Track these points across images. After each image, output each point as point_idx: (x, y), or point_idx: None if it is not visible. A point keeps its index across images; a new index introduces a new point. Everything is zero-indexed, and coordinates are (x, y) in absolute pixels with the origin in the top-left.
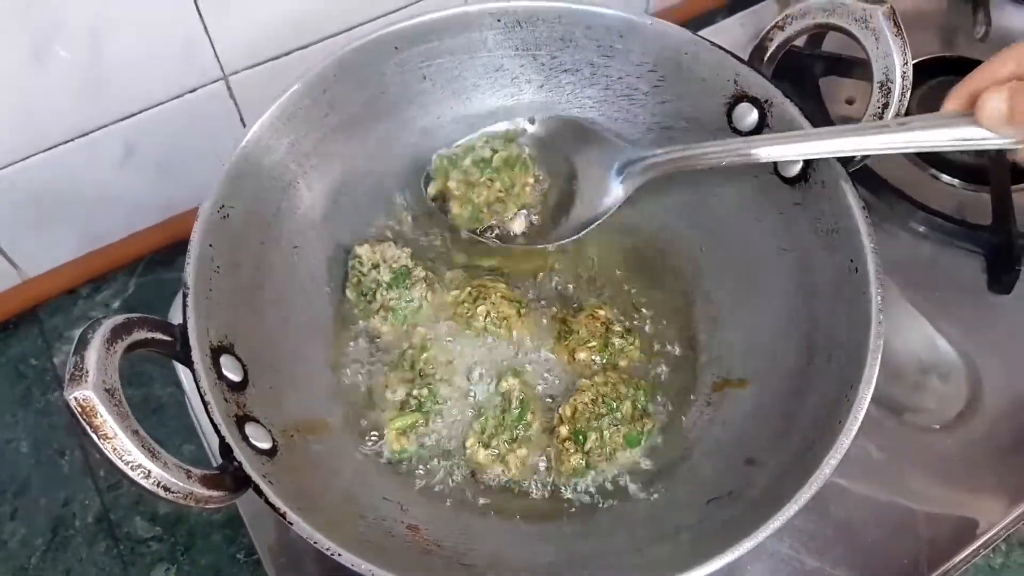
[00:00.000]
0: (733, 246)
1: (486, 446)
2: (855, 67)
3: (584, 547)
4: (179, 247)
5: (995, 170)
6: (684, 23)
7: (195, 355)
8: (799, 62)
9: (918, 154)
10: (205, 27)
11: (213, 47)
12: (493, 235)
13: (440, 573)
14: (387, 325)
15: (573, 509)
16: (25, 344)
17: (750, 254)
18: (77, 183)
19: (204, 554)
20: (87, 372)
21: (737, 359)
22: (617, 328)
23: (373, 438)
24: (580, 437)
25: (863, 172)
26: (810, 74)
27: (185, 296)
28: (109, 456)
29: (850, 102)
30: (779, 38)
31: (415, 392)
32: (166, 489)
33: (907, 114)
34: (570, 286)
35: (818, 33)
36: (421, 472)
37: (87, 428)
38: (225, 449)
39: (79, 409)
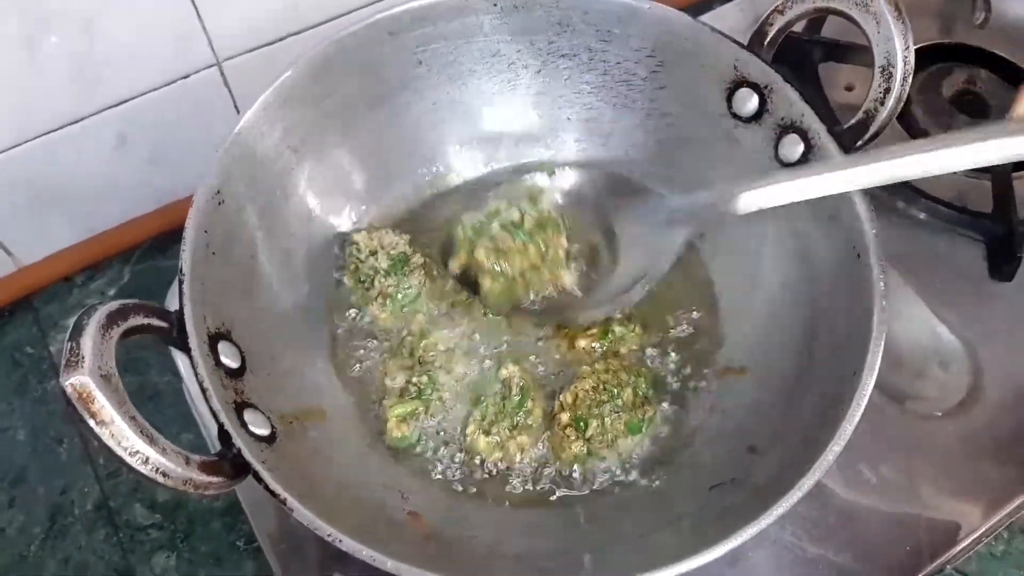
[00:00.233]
0: (733, 233)
1: (486, 433)
2: (855, 53)
3: (586, 534)
4: (174, 235)
5: None
6: (683, 8)
7: (192, 341)
8: (798, 48)
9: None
10: (198, 13)
11: (206, 33)
12: (532, 307)
13: (441, 560)
14: (385, 312)
15: (574, 496)
16: (20, 332)
17: (750, 242)
18: (71, 170)
19: (204, 541)
20: (83, 358)
21: (738, 347)
22: (617, 315)
23: (372, 425)
24: (581, 424)
25: None
26: (809, 60)
27: (181, 282)
28: (106, 442)
29: (849, 88)
30: (779, 22)
31: (414, 379)
32: (164, 475)
33: (908, 100)
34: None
35: (817, 18)
36: (421, 459)
37: (84, 414)
38: (224, 436)
39: (75, 395)
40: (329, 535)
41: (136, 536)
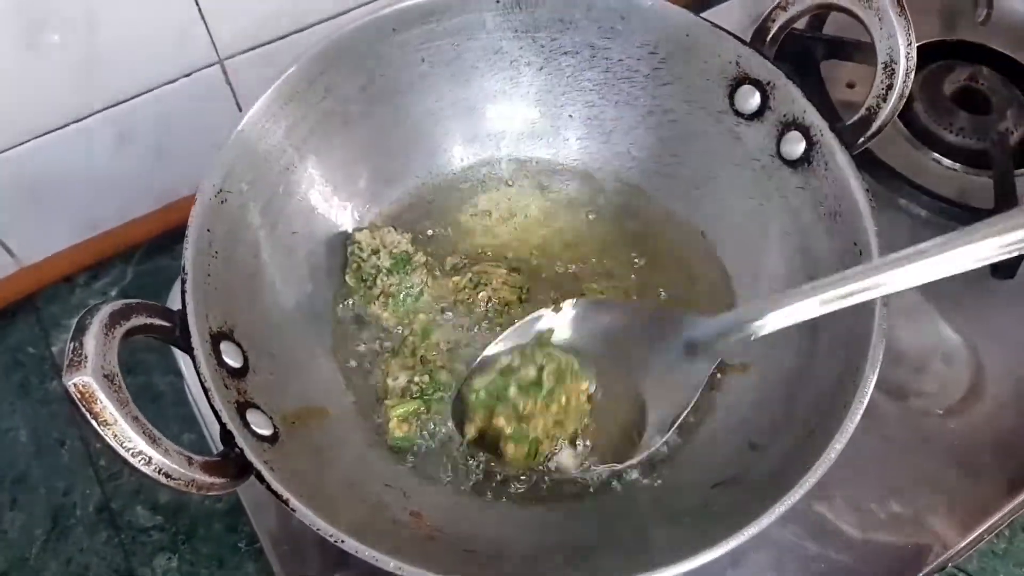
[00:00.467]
0: (735, 230)
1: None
2: (857, 50)
3: (586, 532)
4: (177, 234)
5: (997, 154)
6: (685, 4)
7: (195, 341)
8: (800, 45)
9: (919, 138)
10: (200, 10)
11: (208, 31)
12: (554, 468)
13: (443, 559)
14: (388, 311)
15: (575, 494)
16: (23, 333)
17: (752, 238)
18: (72, 170)
19: (206, 543)
20: (86, 358)
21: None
22: None
23: (374, 425)
24: None
25: (865, 156)
26: (811, 57)
27: (184, 281)
28: (109, 442)
29: (851, 86)
30: (781, 19)
31: (416, 379)
32: (167, 476)
33: (910, 97)
34: (572, 269)
35: (819, 15)
36: (423, 459)
37: (86, 414)
38: (226, 436)
39: (78, 395)
40: (331, 535)
41: (138, 538)
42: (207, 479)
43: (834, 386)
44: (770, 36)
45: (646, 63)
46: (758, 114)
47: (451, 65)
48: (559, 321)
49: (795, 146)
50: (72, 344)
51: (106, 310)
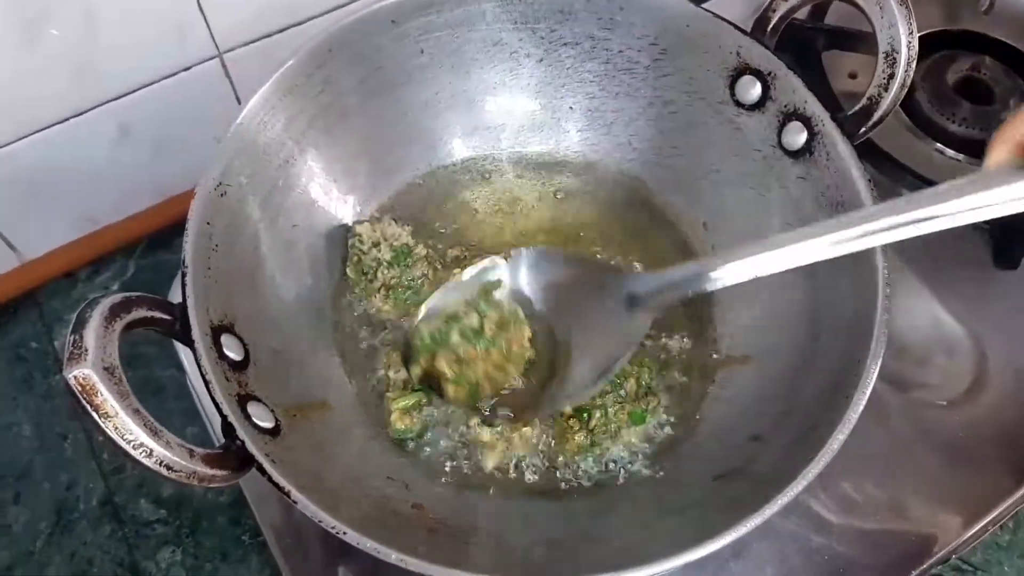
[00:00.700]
0: (736, 221)
1: (489, 424)
2: (858, 41)
3: (589, 525)
4: (178, 229)
5: None
6: None
7: (195, 334)
8: (801, 35)
9: (920, 127)
10: (199, 3)
11: (207, 24)
12: (494, 405)
13: (446, 551)
14: (389, 304)
15: (577, 487)
16: (25, 327)
17: (754, 230)
18: (73, 164)
19: (209, 536)
20: (86, 350)
21: (740, 336)
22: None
23: (376, 417)
24: (584, 415)
25: (867, 146)
26: (812, 48)
27: (184, 274)
28: (110, 435)
29: (853, 76)
30: (782, 8)
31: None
32: (169, 468)
33: (911, 87)
34: None
35: (821, 5)
36: (425, 451)
37: (87, 407)
38: (228, 428)
39: (79, 388)
40: (333, 527)
41: (141, 531)
42: (209, 471)
43: (836, 378)
44: (771, 26)
45: (647, 54)
46: (759, 104)
47: (451, 57)
48: (509, 268)
49: (796, 136)
50: (72, 337)
51: (106, 303)
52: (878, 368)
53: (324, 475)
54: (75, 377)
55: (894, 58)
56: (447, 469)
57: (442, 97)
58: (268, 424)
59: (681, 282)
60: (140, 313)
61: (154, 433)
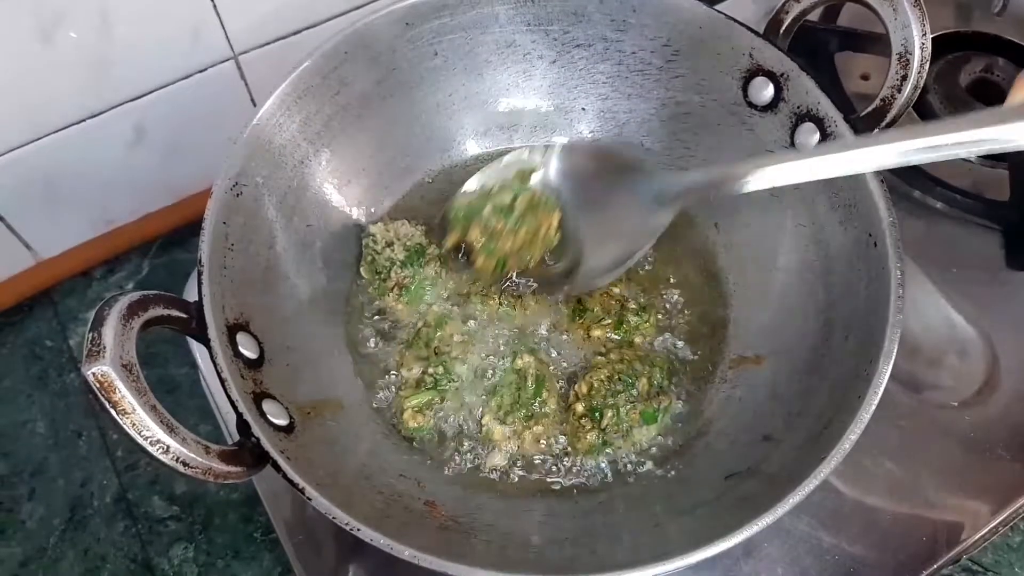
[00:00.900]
0: (748, 222)
1: (502, 423)
2: (871, 42)
3: (601, 523)
4: (192, 228)
5: None
6: None
7: (211, 332)
8: (814, 37)
9: None
10: (215, 6)
11: (223, 26)
12: (521, 282)
13: (458, 549)
14: (401, 303)
15: (590, 485)
16: (40, 326)
17: (766, 230)
18: (89, 165)
19: (221, 533)
20: (104, 348)
21: (753, 336)
22: (632, 305)
23: (389, 416)
24: (596, 414)
25: None
26: (825, 50)
27: (200, 273)
28: (128, 431)
29: (865, 78)
30: (795, 10)
31: (430, 370)
32: (185, 464)
33: (924, 89)
34: None
35: (834, 7)
36: (437, 449)
37: (105, 403)
38: (243, 425)
39: (97, 384)
40: (347, 524)
41: (154, 528)
42: (224, 468)
43: (849, 378)
44: (783, 28)
45: (659, 55)
46: (772, 106)
47: (464, 59)
48: (543, 156)
49: (809, 137)
50: (91, 335)
51: (124, 301)
52: (890, 368)
53: (337, 472)
54: (93, 374)
55: (907, 59)
56: (459, 467)
57: (455, 98)
58: (283, 422)
59: (706, 183)
60: (157, 311)
61: (171, 430)
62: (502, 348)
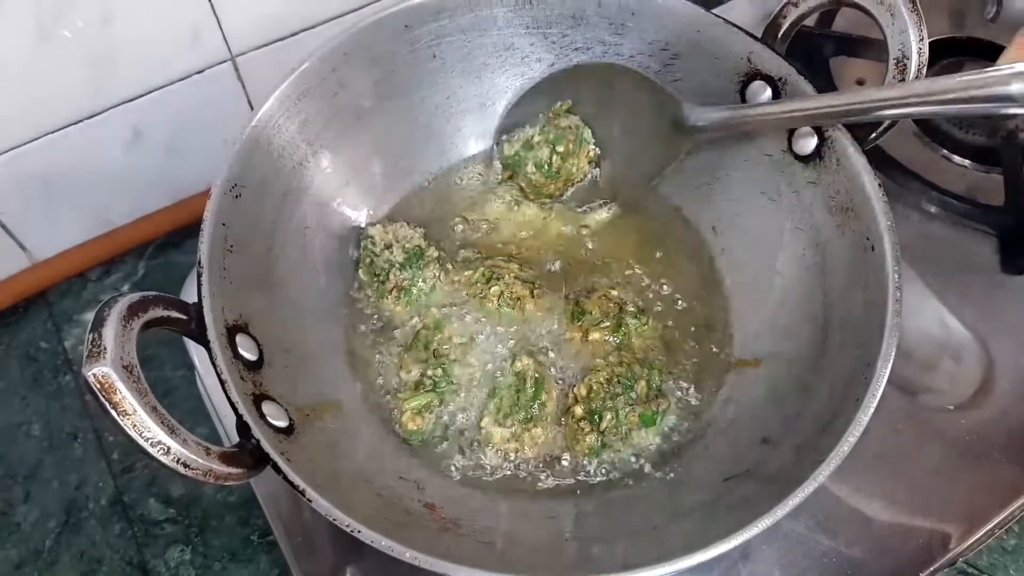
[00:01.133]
0: (746, 226)
1: (501, 425)
2: (866, 47)
3: (600, 525)
4: (188, 230)
5: (1007, 150)
6: (696, 0)
7: (211, 333)
8: (809, 42)
9: (930, 135)
10: (213, 8)
11: (221, 27)
12: (564, 197)
13: (457, 551)
14: (400, 306)
15: (588, 488)
16: (35, 327)
17: (764, 234)
18: (85, 165)
19: (218, 535)
20: (105, 349)
21: (751, 339)
22: (631, 308)
23: (387, 418)
24: (595, 416)
25: (875, 153)
26: (820, 54)
27: (200, 275)
28: (129, 432)
29: (860, 83)
30: (793, 15)
31: (429, 372)
32: (185, 466)
33: None
34: (582, 265)
35: (829, 12)
36: (436, 451)
37: (106, 404)
38: (242, 427)
39: (98, 385)
40: (348, 525)
41: (151, 530)
42: (224, 469)
43: (846, 381)
44: (781, 32)
45: (657, 59)
46: None
47: (463, 61)
48: (569, 79)
49: (807, 141)
50: (91, 335)
51: (124, 302)
52: (888, 371)
53: (337, 474)
54: (94, 375)
55: (904, 64)
56: (458, 469)
57: (454, 101)
58: (282, 423)
59: (727, 121)
60: (157, 312)
61: (171, 431)
62: (501, 350)
